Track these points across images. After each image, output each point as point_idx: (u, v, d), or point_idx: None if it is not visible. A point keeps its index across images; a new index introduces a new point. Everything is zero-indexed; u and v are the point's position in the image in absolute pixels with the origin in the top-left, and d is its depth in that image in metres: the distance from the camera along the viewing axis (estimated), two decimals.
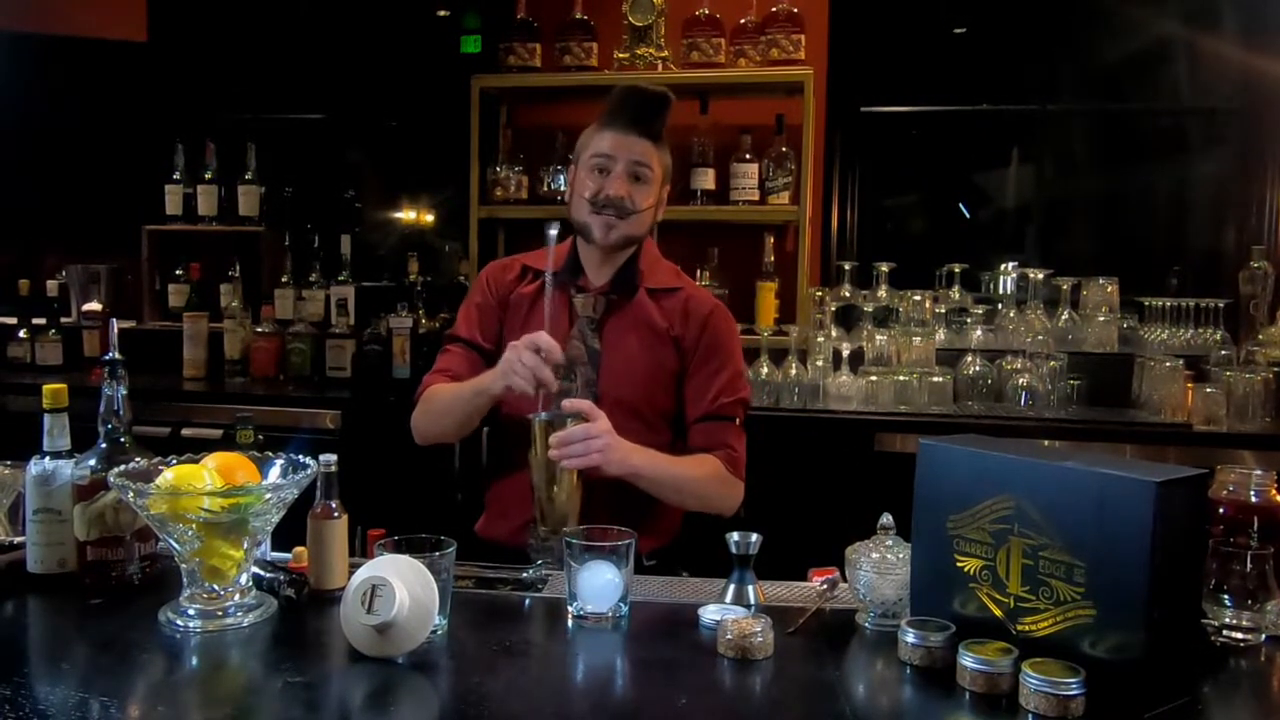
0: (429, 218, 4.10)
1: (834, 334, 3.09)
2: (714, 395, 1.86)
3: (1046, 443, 2.68)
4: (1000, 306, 3.20)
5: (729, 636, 1.23)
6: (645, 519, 1.81)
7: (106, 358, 1.44)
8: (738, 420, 1.89)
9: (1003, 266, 3.24)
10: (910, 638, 1.20)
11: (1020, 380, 2.94)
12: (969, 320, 3.16)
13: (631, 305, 1.89)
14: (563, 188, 3.32)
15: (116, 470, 1.32)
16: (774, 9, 3.26)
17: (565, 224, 1.85)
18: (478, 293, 1.98)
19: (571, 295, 1.89)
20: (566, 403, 1.64)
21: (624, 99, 1.86)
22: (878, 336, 3.04)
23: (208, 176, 3.63)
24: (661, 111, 1.86)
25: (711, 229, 3.39)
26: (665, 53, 3.30)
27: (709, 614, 1.33)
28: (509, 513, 1.88)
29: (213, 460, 1.36)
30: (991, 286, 3.29)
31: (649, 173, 1.84)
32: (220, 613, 1.30)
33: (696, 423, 1.87)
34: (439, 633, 1.28)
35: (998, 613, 1.19)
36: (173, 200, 3.64)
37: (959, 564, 1.23)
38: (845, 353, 2.99)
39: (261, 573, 1.40)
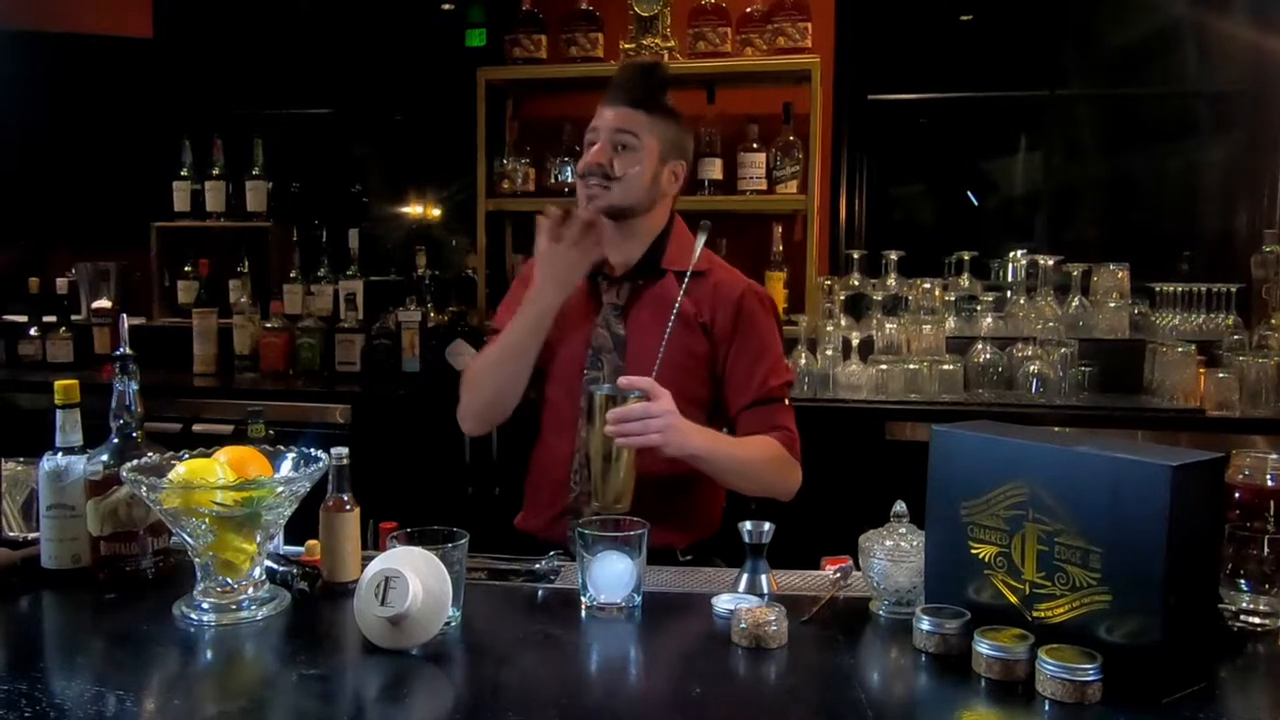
0: (436, 211, 4.10)
1: (843, 323, 3.08)
2: (761, 380, 1.82)
3: (1058, 429, 2.67)
4: (1010, 294, 3.18)
5: (743, 626, 1.23)
6: (686, 513, 1.81)
7: (118, 353, 1.45)
8: (786, 401, 1.85)
9: (1012, 253, 3.22)
10: (925, 625, 1.20)
11: (1031, 367, 2.92)
12: (979, 308, 3.15)
13: (657, 290, 1.86)
14: (570, 179, 3.31)
15: (129, 465, 1.32)
16: None
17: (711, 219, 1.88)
18: (519, 286, 1.96)
19: (597, 281, 1.88)
20: (623, 380, 1.61)
21: (616, 75, 1.87)
22: (887, 325, 3.03)
23: (215, 173, 3.63)
24: (645, 79, 1.84)
25: (719, 219, 3.36)
26: (671, 43, 3.28)
27: (722, 603, 1.33)
28: (545, 505, 1.87)
29: (225, 454, 1.36)
30: (1001, 274, 3.28)
31: (634, 140, 1.80)
32: (234, 606, 1.30)
33: (745, 410, 1.83)
34: (452, 624, 1.28)
35: (1013, 599, 1.19)
36: (180, 197, 3.64)
37: (973, 551, 1.23)
38: (855, 342, 2.98)
39: (275, 566, 1.40)
